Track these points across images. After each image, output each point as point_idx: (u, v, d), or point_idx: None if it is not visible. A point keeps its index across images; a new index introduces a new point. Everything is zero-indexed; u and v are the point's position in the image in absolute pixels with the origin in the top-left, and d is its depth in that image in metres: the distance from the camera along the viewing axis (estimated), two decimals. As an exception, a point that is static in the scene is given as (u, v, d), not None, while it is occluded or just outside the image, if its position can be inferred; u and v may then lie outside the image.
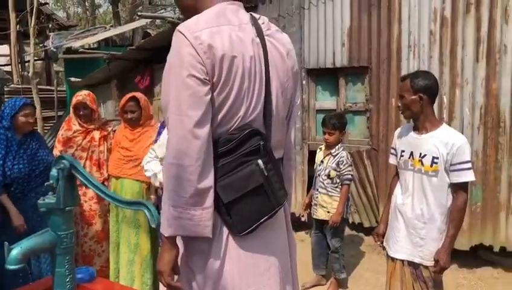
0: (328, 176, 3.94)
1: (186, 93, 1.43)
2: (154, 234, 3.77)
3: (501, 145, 4.00)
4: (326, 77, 5.21)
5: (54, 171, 2.20)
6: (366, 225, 5.08)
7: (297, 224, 5.53)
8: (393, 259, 2.87)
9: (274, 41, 1.66)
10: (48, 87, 13.92)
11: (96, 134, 4.05)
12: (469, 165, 2.59)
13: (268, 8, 5.45)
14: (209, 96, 1.44)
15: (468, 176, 2.60)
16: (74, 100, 4.02)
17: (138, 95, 3.84)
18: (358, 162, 4.90)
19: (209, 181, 1.47)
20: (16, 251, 2.06)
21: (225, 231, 1.56)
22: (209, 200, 1.48)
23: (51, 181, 2.19)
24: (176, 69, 1.48)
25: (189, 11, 1.63)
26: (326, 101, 5.26)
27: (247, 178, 1.52)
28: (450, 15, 4.17)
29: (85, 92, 4.12)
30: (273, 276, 1.66)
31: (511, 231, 4.04)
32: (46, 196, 2.25)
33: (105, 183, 3.97)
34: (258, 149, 1.53)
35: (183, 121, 1.43)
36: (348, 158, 3.92)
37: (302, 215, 5.39)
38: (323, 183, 3.96)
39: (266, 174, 1.53)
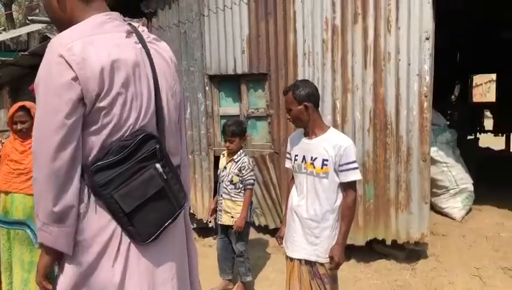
0: (231, 181, 3.99)
1: (50, 113, 1.42)
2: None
3: (389, 146, 4.32)
4: (229, 83, 5.27)
5: None
6: (272, 226, 5.22)
7: (205, 230, 5.55)
8: (291, 259, 2.99)
9: (157, 48, 1.69)
10: None
11: (-15, 145, 3.77)
12: (355, 165, 2.78)
13: (168, 14, 5.40)
14: (76, 117, 1.42)
15: (355, 175, 2.78)
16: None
17: (28, 104, 3.62)
18: (262, 165, 5.03)
19: (66, 201, 1.44)
20: None
21: (125, 241, 1.53)
22: (69, 220, 1.46)
23: None
24: (44, 85, 1.46)
25: (63, 24, 1.59)
26: (229, 107, 5.33)
27: (147, 183, 1.52)
28: (340, 24, 4.42)
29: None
30: (175, 285, 1.67)
31: (401, 225, 4.37)
32: None
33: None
34: (155, 153, 1.53)
35: (43, 142, 1.43)
36: (249, 163, 4.01)
37: (210, 221, 5.41)
38: (227, 189, 4.01)
39: (165, 177, 1.55)
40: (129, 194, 1.49)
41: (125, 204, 1.48)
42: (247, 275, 4.12)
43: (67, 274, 1.52)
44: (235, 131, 3.94)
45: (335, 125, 4.43)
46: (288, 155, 3.11)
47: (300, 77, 4.54)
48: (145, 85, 1.55)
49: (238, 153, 4.01)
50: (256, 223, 5.38)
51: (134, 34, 1.61)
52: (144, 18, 5.57)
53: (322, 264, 2.87)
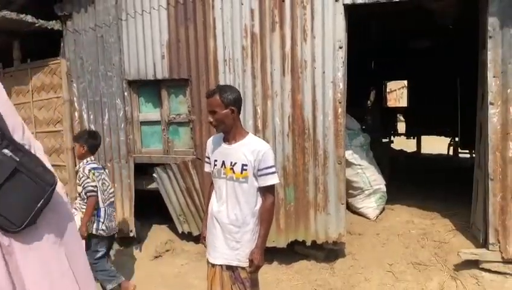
0: (79, 194, 4.10)
1: None
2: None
3: (307, 150, 4.48)
4: (149, 88, 5.18)
5: None
6: (195, 233, 5.19)
7: (127, 239, 5.41)
8: (213, 265, 3.00)
9: None
10: None
11: None
12: (273, 169, 2.85)
13: (84, 18, 5.21)
14: None
15: (273, 180, 2.85)
16: None
17: None
18: (185, 172, 4.99)
19: None
20: None
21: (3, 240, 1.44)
22: None
23: None
24: None
25: None
26: (150, 112, 5.23)
27: None
28: (259, 32, 4.51)
29: None
30: (72, 275, 1.60)
31: (320, 226, 4.53)
32: None
33: None
34: None
35: None
36: (84, 171, 4.06)
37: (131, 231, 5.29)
38: (79, 203, 4.13)
39: (18, 159, 1.47)
40: None
41: None
42: (109, 283, 4.13)
43: None
44: (75, 137, 4.08)
45: (256, 131, 4.52)
46: (207, 159, 3.12)
47: (221, 83, 4.57)
48: None
49: (82, 162, 4.11)
50: (180, 230, 5.32)
51: None
52: (57, 20, 5.34)
53: (243, 269, 2.91)
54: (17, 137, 1.54)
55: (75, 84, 5.33)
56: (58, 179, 1.58)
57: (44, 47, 5.86)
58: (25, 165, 1.47)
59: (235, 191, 2.89)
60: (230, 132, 2.90)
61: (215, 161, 2.99)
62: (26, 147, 1.56)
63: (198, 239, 5.32)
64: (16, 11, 5.30)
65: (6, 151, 1.44)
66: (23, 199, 1.46)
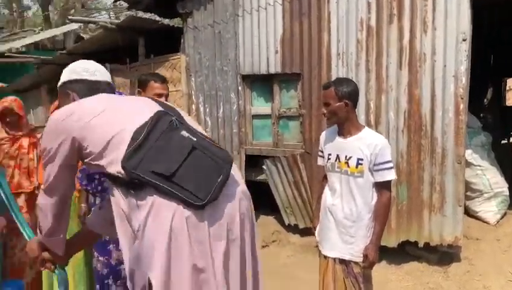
0: None
1: None
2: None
3: (423, 147, 4.28)
4: (261, 83, 5.33)
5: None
6: (301, 226, 5.24)
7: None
8: (325, 257, 3.00)
9: None
10: (-29, 93, 13.13)
11: (25, 141, 3.91)
12: (390, 164, 2.77)
13: (203, 15, 5.49)
14: None
15: (390, 175, 2.78)
16: (0, 106, 3.86)
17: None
18: (293, 165, 5.05)
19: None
20: None
21: (183, 213, 1.51)
22: None
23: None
24: None
25: None
26: (261, 106, 5.38)
27: (177, 148, 1.53)
28: (375, 25, 4.40)
29: (11, 97, 3.97)
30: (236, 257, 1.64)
31: (434, 228, 4.32)
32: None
33: (36, 191, 3.85)
34: (173, 124, 1.58)
35: None
36: None
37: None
38: None
39: (195, 139, 1.56)
40: (164, 161, 1.51)
41: (164, 169, 1.49)
42: None
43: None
44: None
45: (368, 126, 4.38)
46: (320, 153, 3.11)
47: (333, 77, 4.55)
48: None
49: None
50: (286, 222, 5.40)
51: None
52: (178, 18, 5.70)
53: (356, 263, 2.88)
54: (190, 124, 1.70)
55: (193, 79, 5.65)
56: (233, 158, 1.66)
57: (165, 44, 6.28)
58: (201, 144, 1.56)
59: (349, 186, 2.86)
60: (344, 125, 2.87)
61: (329, 154, 2.98)
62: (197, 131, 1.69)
63: (304, 232, 5.42)
64: (142, 11, 5.75)
65: (184, 132, 1.57)
66: (204, 175, 1.53)
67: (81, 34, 12.20)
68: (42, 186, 1.80)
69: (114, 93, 1.98)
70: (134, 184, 1.52)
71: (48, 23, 17.61)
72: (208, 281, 1.53)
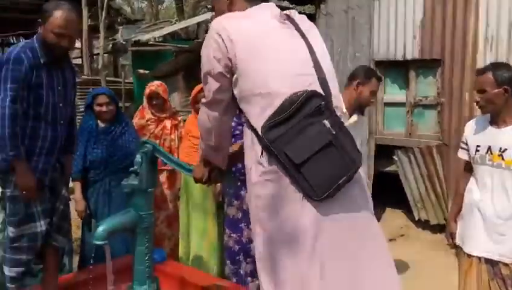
0: None
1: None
2: (220, 221, 3.88)
3: None
4: (396, 69, 5.17)
5: (138, 157, 2.34)
6: (433, 222, 5.00)
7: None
8: (469, 256, 2.80)
9: (307, 27, 1.81)
10: (115, 79, 14.54)
11: (168, 123, 4.21)
12: None
13: (337, 0, 5.45)
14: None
15: None
16: (147, 90, 4.19)
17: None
18: (428, 157, 4.82)
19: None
20: (101, 228, 2.23)
21: (297, 199, 1.58)
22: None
23: (135, 167, 2.34)
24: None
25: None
26: (395, 94, 5.22)
27: (314, 138, 1.55)
28: (534, 6, 3.99)
29: (157, 82, 4.30)
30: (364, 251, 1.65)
31: None
32: (123, 181, 2.40)
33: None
34: (320, 110, 1.57)
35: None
36: None
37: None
38: None
39: (334, 132, 1.55)
40: (298, 148, 1.54)
41: (295, 156, 1.53)
42: None
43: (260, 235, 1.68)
44: None
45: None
46: (463, 145, 2.88)
47: (480, 64, 4.21)
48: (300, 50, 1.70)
49: None
50: (416, 217, 5.19)
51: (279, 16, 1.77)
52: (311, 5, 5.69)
53: (506, 265, 2.64)
54: (335, 101, 1.66)
55: (324, 65, 5.64)
56: (362, 160, 1.64)
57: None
58: (339, 139, 1.55)
59: (502, 180, 2.62)
60: (499, 114, 2.63)
61: (478, 146, 2.75)
62: (339, 112, 1.66)
63: (436, 228, 5.14)
64: (275, -2, 5.83)
65: (326, 122, 1.55)
66: (329, 171, 1.54)
67: (213, 24, 12.77)
68: (203, 101, 1.90)
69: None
70: (267, 149, 1.61)
71: (181, 15, 18.78)
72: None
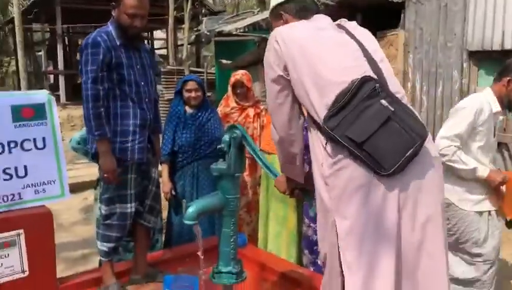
0: None
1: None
2: (300, 209, 3.91)
3: None
4: (492, 60, 4.89)
5: (226, 137, 2.42)
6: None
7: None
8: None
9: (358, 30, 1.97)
10: (198, 69, 15.04)
11: (251, 111, 4.31)
12: None
13: (431, -13, 5.25)
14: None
15: None
16: (232, 79, 4.31)
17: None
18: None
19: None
20: (191, 209, 2.34)
21: (367, 178, 1.64)
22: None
23: (223, 145, 2.43)
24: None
25: None
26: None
27: (374, 117, 1.61)
28: None
29: (242, 71, 4.41)
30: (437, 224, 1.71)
31: None
32: (212, 165, 2.50)
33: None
34: (376, 91, 1.63)
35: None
36: None
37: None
38: None
39: (392, 109, 1.60)
40: (358, 128, 1.61)
41: (356, 136, 1.60)
42: None
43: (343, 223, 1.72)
44: None
45: None
46: None
47: None
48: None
49: None
50: None
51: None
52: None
53: None
54: (392, 88, 1.71)
55: (411, 55, 5.49)
56: (428, 133, 1.66)
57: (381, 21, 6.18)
58: (398, 115, 1.61)
59: None
60: None
61: None
62: (399, 96, 1.69)
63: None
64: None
65: (383, 101, 1.61)
66: (394, 146, 1.60)
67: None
68: (268, 110, 2.07)
69: (318, 11, 2.11)
70: (330, 138, 1.68)
71: (262, 5, 18.93)
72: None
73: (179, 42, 18.96)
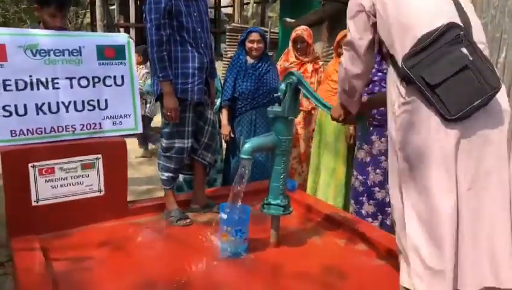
0: None
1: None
2: (350, 163, 4.10)
3: None
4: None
5: (283, 86, 2.65)
6: None
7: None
8: None
9: None
10: (262, 28, 15.07)
11: (309, 66, 4.47)
12: None
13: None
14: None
15: None
16: (294, 34, 4.47)
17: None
18: None
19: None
20: (248, 145, 2.62)
21: (435, 120, 1.71)
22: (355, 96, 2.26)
23: (279, 93, 2.66)
24: None
25: None
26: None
27: (451, 63, 1.66)
28: None
29: (303, 27, 4.55)
30: (493, 178, 1.72)
31: None
32: (268, 108, 2.73)
33: (313, 112, 4.42)
34: (459, 39, 1.67)
35: None
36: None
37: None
38: None
39: (471, 58, 1.65)
40: (435, 71, 1.67)
41: (431, 79, 1.66)
42: None
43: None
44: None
45: None
46: None
47: None
48: None
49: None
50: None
51: None
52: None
53: None
54: (476, 37, 1.75)
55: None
56: (502, 85, 1.70)
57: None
58: (475, 64, 1.65)
59: None
60: None
61: None
62: (481, 47, 1.73)
63: None
64: None
65: (464, 49, 1.67)
66: (464, 93, 1.65)
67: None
68: (345, 41, 2.16)
69: None
70: (406, 78, 1.75)
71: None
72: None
73: (245, 1, 19.00)
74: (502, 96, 1.72)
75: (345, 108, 2.42)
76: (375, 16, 1.95)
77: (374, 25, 1.97)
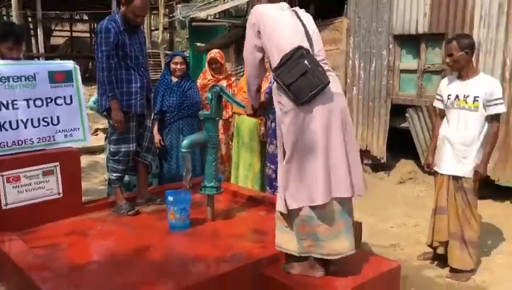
0: None
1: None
2: (263, 158, 4.82)
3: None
4: (410, 41, 5.89)
5: (209, 94, 3.33)
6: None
7: (377, 166, 6.29)
8: (441, 175, 3.63)
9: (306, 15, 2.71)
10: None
11: (224, 82, 5.07)
12: (501, 100, 3.29)
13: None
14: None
15: (501, 109, 3.30)
16: (209, 56, 5.12)
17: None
18: (433, 114, 5.50)
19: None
20: (186, 141, 3.25)
21: (291, 105, 2.40)
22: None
23: (207, 102, 3.31)
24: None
25: None
26: (408, 62, 5.94)
27: (297, 70, 2.40)
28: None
29: (216, 50, 5.20)
30: (337, 134, 2.44)
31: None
32: (199, 112, 3.35)
33: (230, 119, 5.09)
34: (303, 55, 2.42)
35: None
36: None
37: (381, 158, 6.17)
38: None
39: (310, 66, 2.42)
40: (289, 76, 2.37)
41: (287, 81, 2.37)
42: None
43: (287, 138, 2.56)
44: None
45: (503, 80, 4.75)
46: (438, 96, 3.67)
47: (476, 37, 4.92)
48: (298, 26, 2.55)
49: None
50: (423, 164, 5.89)
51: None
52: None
53: (466, 179, 3.44)
54: (316, 53, 2.56)
55: (352, 38, 6.40)
56: (330, 80, 2.47)
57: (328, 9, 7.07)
58: (312, 70, 2.44)
59: (465, 118, 3.42)
60: (463, 70, 3.43)
61: (449, 95, 3.52)
62: (318, 58, 2.54)
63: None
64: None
65: (306, 61, 2.44)
66: (306, 87, 2.43)
67: (259, 3, 13.38)
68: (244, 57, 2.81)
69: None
70: (276, 81, 2.49)
71: (232, -6, 19.40)
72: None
73: (152, 28, 19.39)
74: (334, 86, 2.46)
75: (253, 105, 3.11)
76: (260, 37, 2.65)
77: (261, 43, 2.67)
